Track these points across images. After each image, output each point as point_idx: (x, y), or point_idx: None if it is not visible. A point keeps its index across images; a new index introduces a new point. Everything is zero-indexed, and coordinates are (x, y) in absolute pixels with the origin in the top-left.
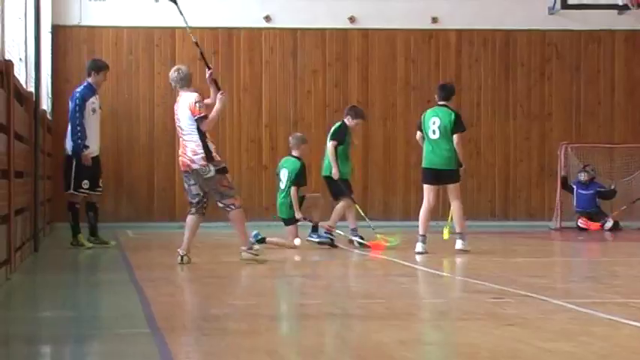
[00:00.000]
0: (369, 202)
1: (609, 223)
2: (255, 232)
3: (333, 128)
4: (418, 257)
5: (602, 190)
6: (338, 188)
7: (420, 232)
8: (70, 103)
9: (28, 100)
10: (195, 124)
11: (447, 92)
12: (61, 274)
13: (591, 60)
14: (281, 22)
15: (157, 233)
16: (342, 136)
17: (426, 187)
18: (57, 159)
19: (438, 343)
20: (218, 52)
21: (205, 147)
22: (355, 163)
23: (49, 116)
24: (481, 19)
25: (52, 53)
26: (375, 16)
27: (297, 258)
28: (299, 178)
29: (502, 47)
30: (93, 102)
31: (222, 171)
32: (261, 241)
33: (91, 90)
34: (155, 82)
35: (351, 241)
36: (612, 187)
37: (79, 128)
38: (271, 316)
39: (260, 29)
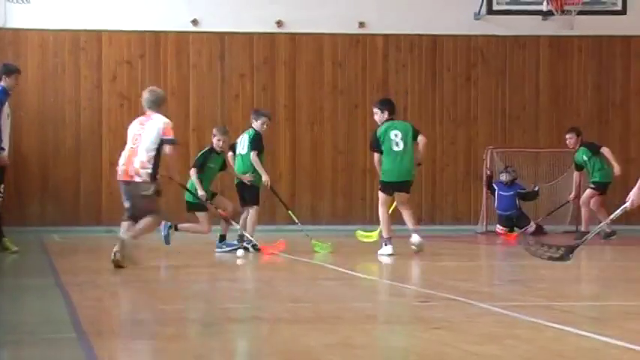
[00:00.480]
0: (297, 207)
1: (531, 227)
2: (167, 224)
3: (248, 137)
4: (389, 259)
5: (523, 191)
6: (254, 195)
7: (387, 235)
8: None
9: None
10: (157, 144)
11: (394, 107)
12: None
13: (516, 65)
14: (208, 26)
15: (84, 237)
16: (260, 143)
17: (386, 197)
18: None
19: (365, 346)
20: (145, 56)
21: (156, 166)
22: (282, 168)
23: None
24: (408, 24)
25: None
26: (303, 20)
27: (224, 262)
28: (198, 163)
29: (429, 52)
30: (7, 107)
31: (158, 194)
32: (175, 228)
33: (5, 94)
34: (82, 85)
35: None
36: (535, 188)
37: None
38: (199, 320)
39: (187, 33)
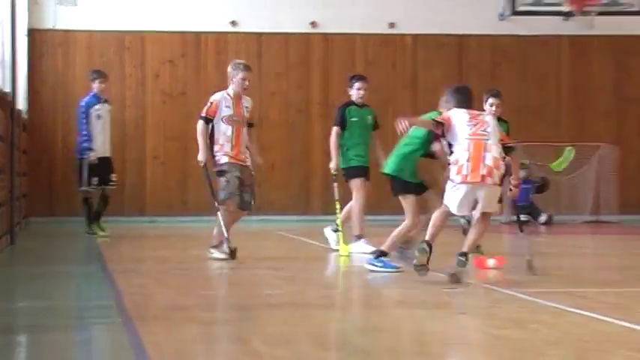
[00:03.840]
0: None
1: (543, 217)
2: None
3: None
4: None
5: (537, 184)
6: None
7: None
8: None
9: (5, 100)
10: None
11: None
12: (36, 266)
13: (538, 63)
14: (246, 26)
15: (128, 227)
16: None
17: None
18: (32, 156)
19: (389, 330)
20: (186, 56)
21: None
22: (316, 162)
23: (24, 115)
24: (434, 24)
25: (29, 55)
26: (336, 21)
27: (270, 252)
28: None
29: (455, 51)
30: (97, 109)
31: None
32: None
33: (95, 98)
34: (127, 84)
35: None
36: (541, 175)
37: (84, 133)
38: (238, 305)
39: (226, 33)
